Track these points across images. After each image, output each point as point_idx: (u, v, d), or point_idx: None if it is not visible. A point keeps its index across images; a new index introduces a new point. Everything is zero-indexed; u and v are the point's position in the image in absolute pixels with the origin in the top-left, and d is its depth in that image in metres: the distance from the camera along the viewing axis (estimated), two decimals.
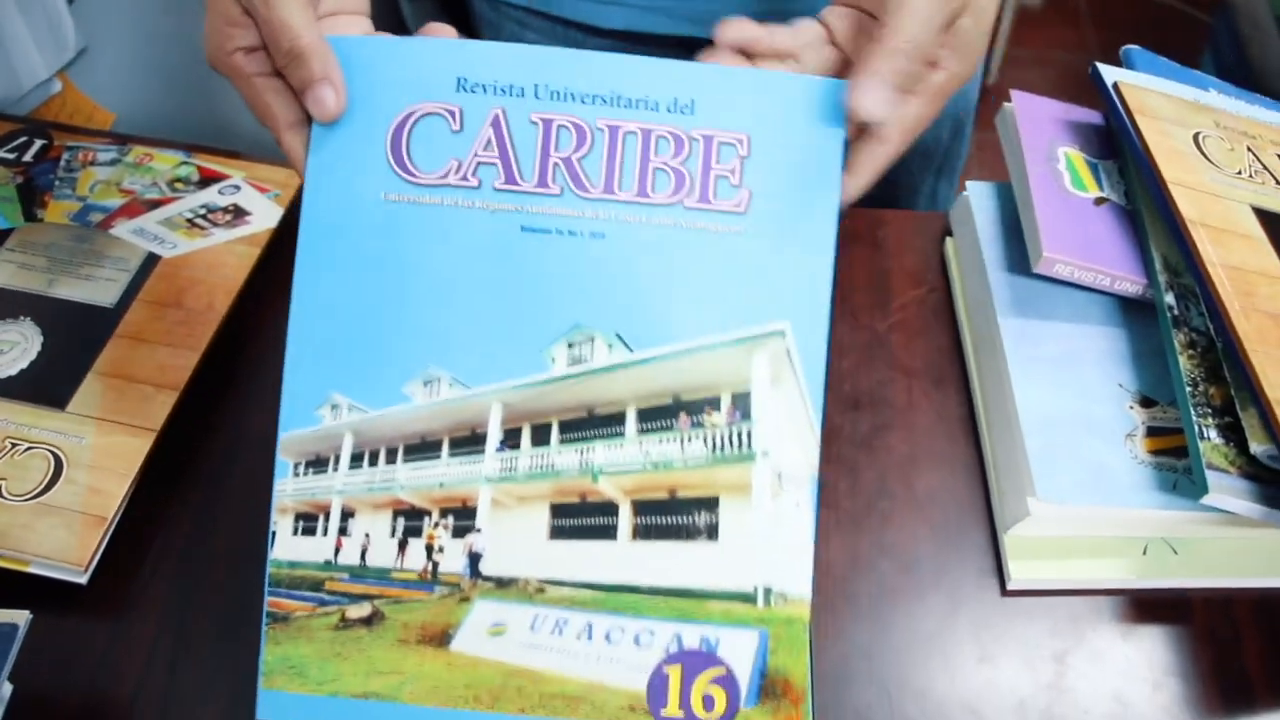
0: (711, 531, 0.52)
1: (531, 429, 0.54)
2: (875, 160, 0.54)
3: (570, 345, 0.53)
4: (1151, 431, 0.62)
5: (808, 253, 0.52)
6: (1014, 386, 0.63)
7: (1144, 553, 0.62)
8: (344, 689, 0.53)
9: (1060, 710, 0.57)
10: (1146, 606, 0.61)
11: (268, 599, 0.54)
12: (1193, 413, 0.59)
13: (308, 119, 0.54)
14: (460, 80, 0.54)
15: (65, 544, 0.60)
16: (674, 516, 0.53)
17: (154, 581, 0.61)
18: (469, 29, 1.02)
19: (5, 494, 0.61)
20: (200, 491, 0.65)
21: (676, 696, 0.51)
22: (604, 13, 0.86)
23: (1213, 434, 0.59)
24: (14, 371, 0.66)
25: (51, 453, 0.63)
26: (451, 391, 0.53)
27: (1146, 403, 0.63)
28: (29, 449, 0.63)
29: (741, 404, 0.52)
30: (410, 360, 0.53)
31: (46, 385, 0.66)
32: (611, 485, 0.53)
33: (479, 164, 0.54)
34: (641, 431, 0.53)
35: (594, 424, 0.53)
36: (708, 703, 0.51)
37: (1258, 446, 0.58)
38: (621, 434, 0.53)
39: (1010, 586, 0.61)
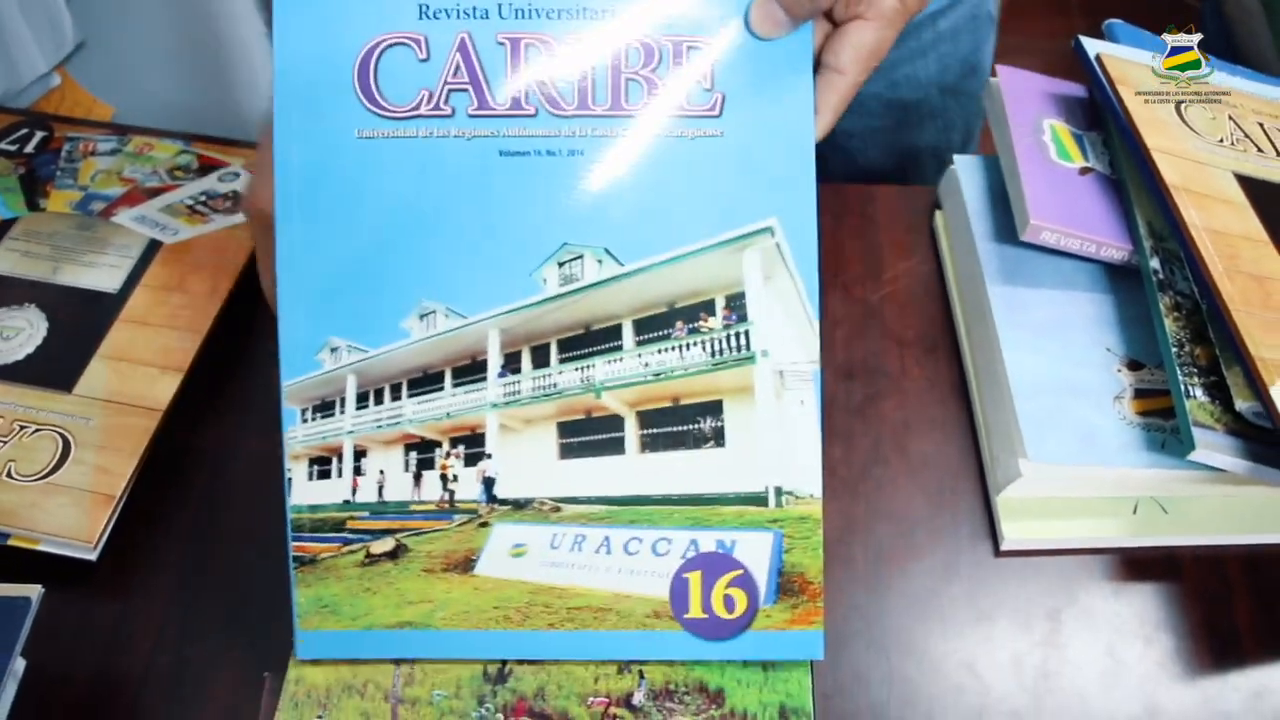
0: (718, 437, 0.53)
1: (531, 351, 0.55)
2: (835, 93, 0.55)
3: (560, 265, 0.53)
4: (1139, 393, 0.63)
5: (789, 148, 0.53)
6: (1004, 352, 0.64)
7: (1134, 512, 0.63)
8: (378, 622, 0.55)
9: (1054, 666, 0.58)
10: (1137, 565, 0.62)
11: (292, 544, 0.55)
12: (1179, 372, 0.60)
13: None
14: (421, 7, 0.53)
15: (75, 522, 0.61)
16: (679, 425, 0.54)
17: (162, 558, 0.62)
18: None
19: (14, 474, 0.62)
20: (206, 469, 0.66)
21: (698, 600, 0.53)
22: None
23: (1199, 393, 0.60)
24: (20, 356, 0.67)
25: (59, 434, 0.64)
26: (448, 322, 0.54)
27: (1134, 365, 0.65)
28: (37, 431, 0.64)
29: (737, 305, 0.53)
30: (403, 296, 0.54)
31: (53, 369, 0.67)
32: (615, 399, 0.54)
33: (450, 91, 0.53)
34: (639, 343, 0.54)
35: (591, 340, 0.55)
36: (729, 604, 0.53)
37: (1243, 404, 0.59)
38: (620, 348, 0.54)
39: (1004, 547, 0.62)
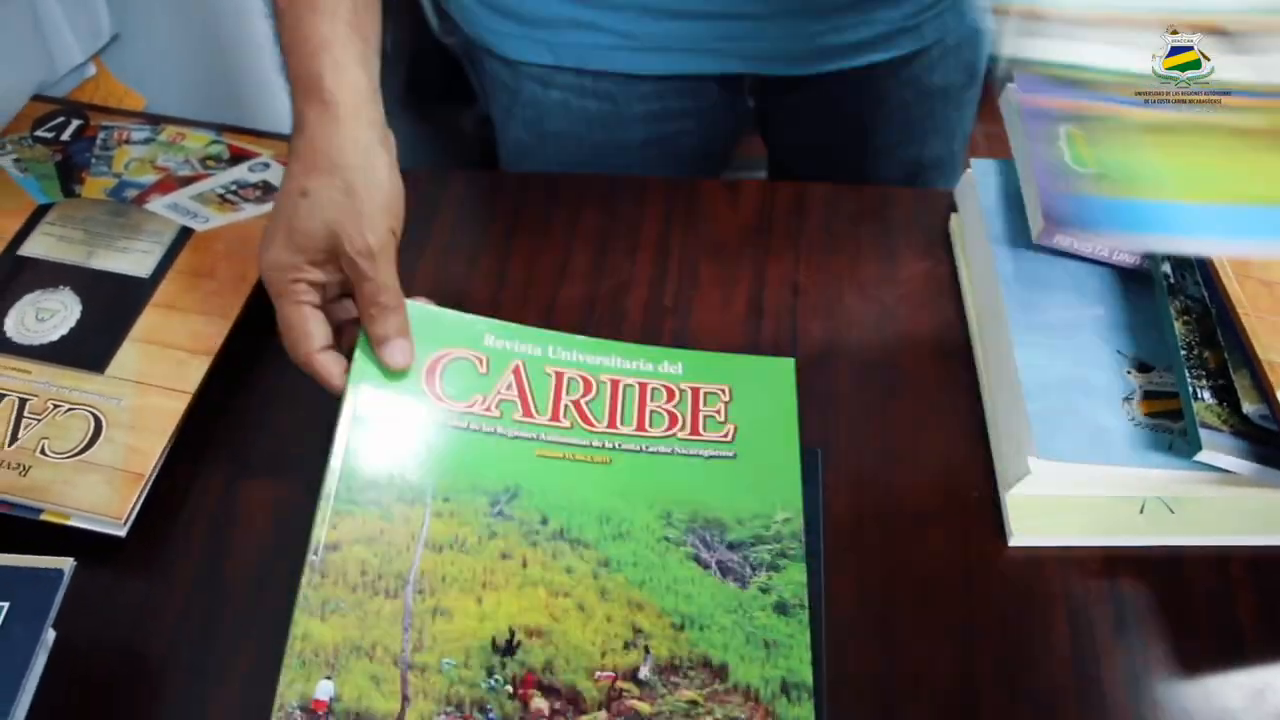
0: None
1: None
2: None
3: None
4: (1148, 395, 0.65)
5: (787, 465, 0.63)
6: (1016, 353, 0.65)
7: (1141, 511, 0.64)
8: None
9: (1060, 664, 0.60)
10: (1143, 563, 0.63)
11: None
12: (1187, 375, 0.62)
13: (335, 345, 0.63)
14: (487, 336, 0.66)
15: (105, 498, 0.62)
16: None
17: (190, 535, 0.64)
18: (468, 93, 1.03)
19: (48, 451, 0.64)
20: (233, 450, 0.67)
21: None
22: (643, 60, 0.87)
23: (1206, 395, 0.61)
24: (55, 337, 0.69)
25: (91, 413, 0.66)
26: None
27: (1143, 368, 0.66)
28: (70, 410, 0.66)
29: None
30: None
31: (86, 350, 0.68)
32: None
33: (501, 400, 0.64)
34: None
35: None
36: None
37: (1250, 406, 0.60)
38: None
39: (1012, 544, 0.63)
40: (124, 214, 0.76)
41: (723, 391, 0.66)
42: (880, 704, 0.58)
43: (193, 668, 0.59)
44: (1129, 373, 0.66)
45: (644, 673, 0.55)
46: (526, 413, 0.63)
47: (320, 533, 0.57)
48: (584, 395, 0.65)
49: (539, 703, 0.55)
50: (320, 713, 0.53)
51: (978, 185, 0.74)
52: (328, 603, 0.56)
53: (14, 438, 0.64)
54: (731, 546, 0.60)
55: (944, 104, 0.93)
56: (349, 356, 0.63)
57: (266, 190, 0.77)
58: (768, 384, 0.66)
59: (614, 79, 0.88)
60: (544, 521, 0.60)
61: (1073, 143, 0.73)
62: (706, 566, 0.60)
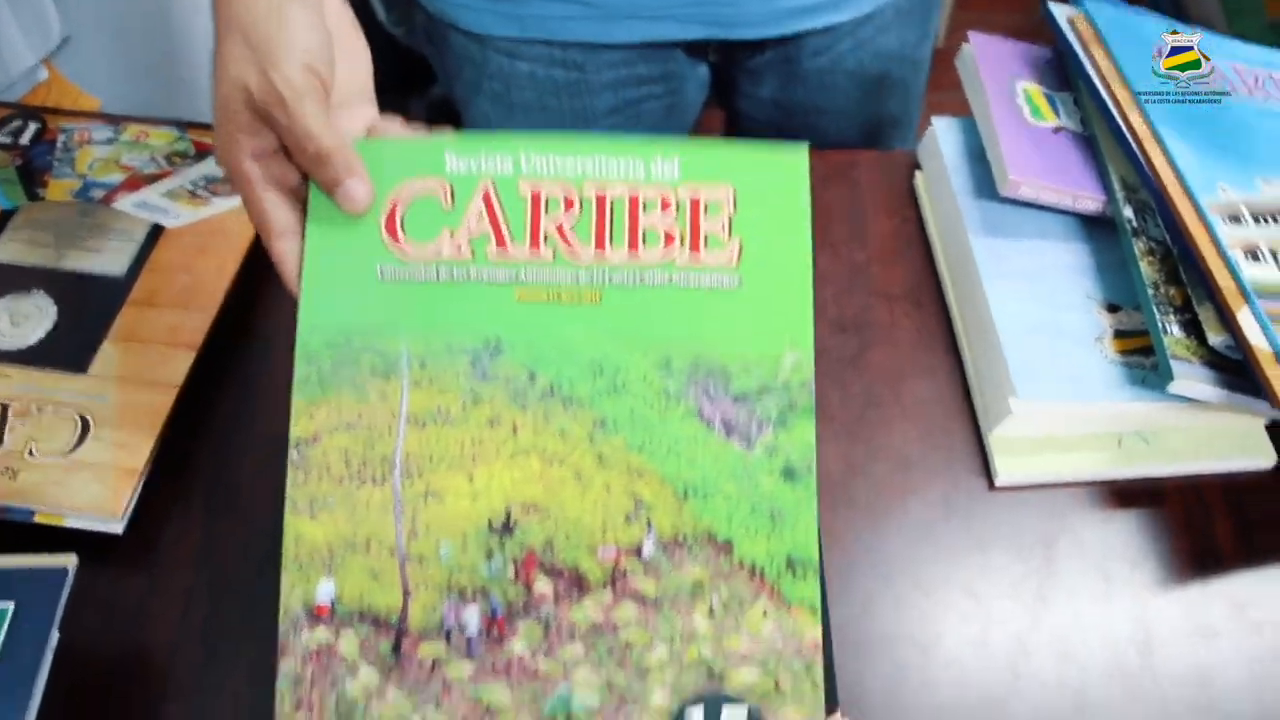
0: None
1: None
2: None
3: None
4: (1119, 334, 0.67)
5: (799, 298, 0.56)
6: (989, 300, 0.67)
7: (1119, 445, 0.67)
8: None
9: (1050, 590, 0.62)
10: (1123, 494, 0.66)
11: None
12: (1155, 311, 0.64)
13: (298, 229, 0.57)
14: (449, 159, 0.56)
15: (99, 496, 0.62)
16: None
17: (186, 529, 0.64)
18: (417, 81, 1.02)
19: (36, 453, 0.63)
20: (224, 441, 0.67)
21: None
22: (609, 29, 0.88)
23: (1174, 329, 0.63)
24: (33, 341, 0.68)
25: (77, 414, 0.65)
26: None
27: (1112, 308, 0.68)
28: (55, 411, 0.65)
29: None
30: None
31: (66, 351, 0.68)
32: None
33: (472, 237, 0.56)
34: None
35: None
36: None
37: (1215, 338, 0.62)
38: None
39: (997, 482, 0.66)
40: (92, 214, 0.75)
41: (726, 199, 0.56)
42: (882, 635, 0.60)
43: (195, 660, 0.60)
44: (1098, 313, 0.68)
45: (647, 549, 0.54)
46: (501, 246, 0.56)
47: (297, 427, 0.54)
48: (566, 216, 0.56)
49: (542, 585, 0.54)
50: (324, 615, 0.53)
51: (940, 142, 0.76)
52: (315, 500, 0.54)
53: (0, 442, 0.63)
54: (736, 399, 0.55)
55: (899, 63, 0.95)
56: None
57: None
58: (777, 183, 0.57)
59: (581, 48, 0.89)
60: (531, 378, 0.55)
61: (1029, 97, 0.76)
62: (709, 424, 0.55)
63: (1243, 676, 0.59)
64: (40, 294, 0.71)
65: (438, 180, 0.56)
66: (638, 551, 0.54)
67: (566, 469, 0.55)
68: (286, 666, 0.52)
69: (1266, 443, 0.67)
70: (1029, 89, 0.76)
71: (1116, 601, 0.62)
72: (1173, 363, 0.62)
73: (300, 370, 0.55)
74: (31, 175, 0.77)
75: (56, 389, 0.66)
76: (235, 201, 0.76)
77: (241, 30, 0.55)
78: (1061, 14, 0.76)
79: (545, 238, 0.56)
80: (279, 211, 0.57)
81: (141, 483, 0.63)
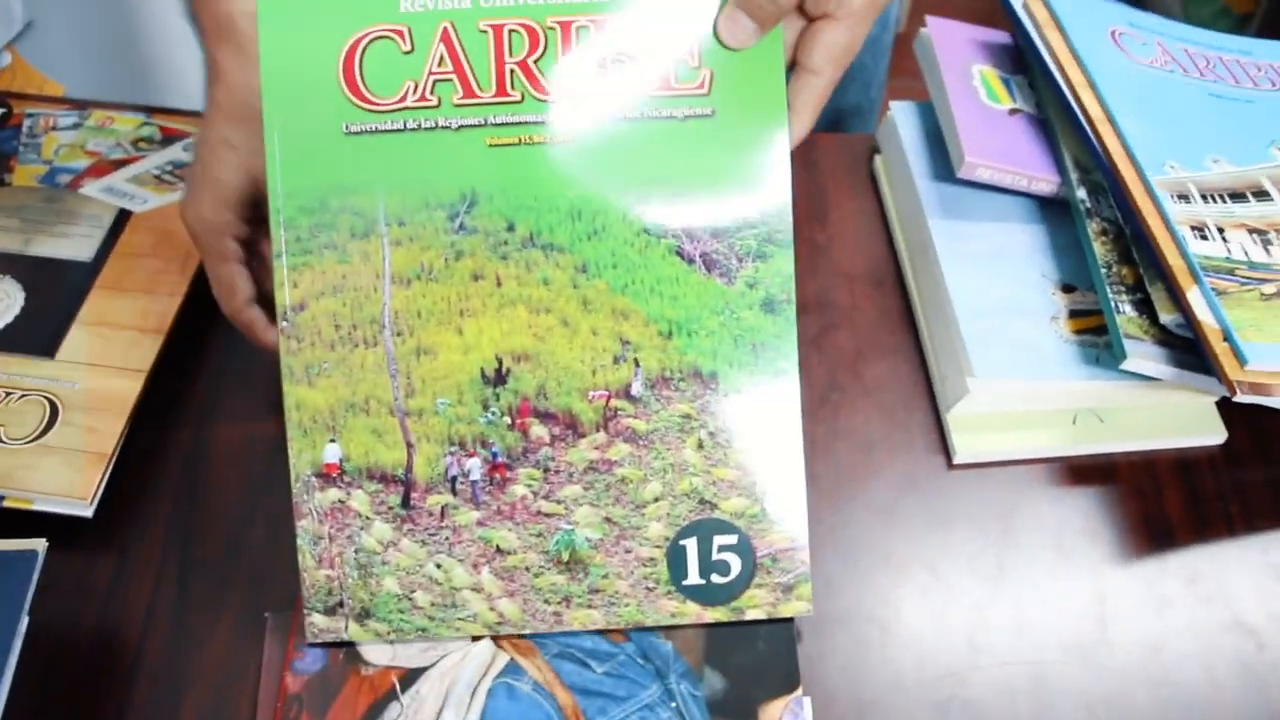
0: None
1: None
2: (812, 94, 0.56)
3: None
4: (1073, 314, 0.68)
5: (770, 128, 0.56)
6: (947, 280, 0.69)
7: (1074, 423, 0.68)
8: None
9: (1009, 562, 0.63)
10: (1078, 471, 0.67)
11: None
12: (1108, 290, 0.65)
13: (255, 292, 0.60)
14: (402, 2, 0.54)
15: (68, 480, 0.62)
16: None
17: (155, 512, 0.64)
18: None
19: (4, 438, 0.63)
20: (193, 425, 0.68)
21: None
22: None
23: (1127, 308, 0.65)
24: (0, 326, 0.69)
25: (46, 398, 0.65)
26: None
27: (1067, 289, 0.70)
28: (23, 396, 0.65)
29: None
30: None
31: (33, 337, 0.68)
32: None
33: (435, 81, 0.54)
34: None
35: None
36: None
37: (1166, 316, 0.64)
38: None
39: (956, 460, 0.67)
40: (59, 200, 0.75)
41: (695, 25, 0.54)
42: (846, 611, 0.61)
43: (166, 643, 0.60)
44: (1054, 293, 0.69)
45: (636, 388, 0.56)
46: (468, 93, 0.54)
47: (283, 295, 0.55)
48: (530, 53, 0.54)
49: (538, 430, 0.56)
50: (334, 475, 0.56)
51: (899, 126, 0.77)
52: (310, 366, 0.55)
53: None
54: (715, 234, 0.56)
55: (861, 51, 0.96)
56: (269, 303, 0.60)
57: None
58: None
59: None
60: (510, 228, 0.55)
61: (986, 80, 0.77)
62: (690, 261, 0.56)
63: (1193, 647, 0.61)
64: (7, 279, 0.71)
65: (392, 25, 0.54)
66: (627, 392, 0.56)
67: (553, 316, 0.56)
68: (304, 527, 0.56)
69: (1217, 419, 0.69)
70: (985, 72, 0.77)
71: (1072, 575, 0.63)
72: (1125, 341, 0.63)
73: (281, 238, 0.55)
74: None
75: (24, 374, 0.66)
76: None
77: (260, 118, 0.55)
78: None
79: (511, 78, 0.54)
80: (243, 281, 0.60)
81: (111, 466, 0.64)
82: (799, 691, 0.57)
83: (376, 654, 0.57)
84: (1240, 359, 0.60)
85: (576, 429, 0.57)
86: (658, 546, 0.57)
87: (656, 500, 0.57)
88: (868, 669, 0.60)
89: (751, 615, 0.58)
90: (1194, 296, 0.62)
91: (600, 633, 0.58)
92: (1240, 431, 0.68)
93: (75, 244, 0.73)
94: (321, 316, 0.55)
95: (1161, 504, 0.66)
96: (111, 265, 0.72)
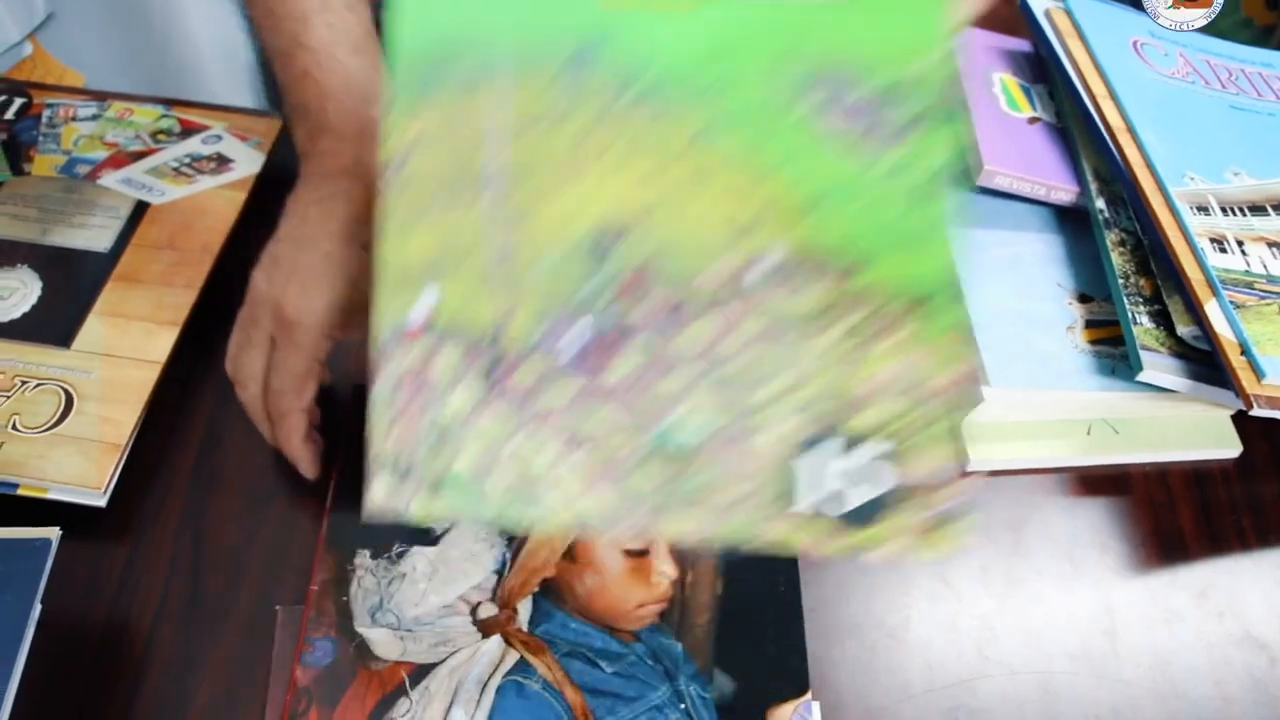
0: None
1: None
2: None
3: None
4: (1090, 324, 0.68)
5: None
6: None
7: (1088, 433, 0.68)
8: None
9: (1019, 573, 0.63)
10: (1092, 481, 0.67)
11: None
12: (1125, 302, 0.65)
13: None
14: None
15: (82, 469, 0.63)
16: None
17: (169, 502, 0.65)
18: None
19: (19, 427, 0.64)
20: (206, 418, 0.68)
21: None
22: None
23: (1144, 320, 0.65)
24: (16, 315, 0.69)
25: (61, 388, 0.66)
26: None
27: (1084, 299, 0.69)
28: (39, 385, 0.66)
29: None
30: None
31: (50, 326, 0.68)
32: None
33: None
34: None
35: None
36: None
37: (1183, 328, 0.64)
38: None
39: (969, 469, 0.67)
40: (77, 190, 0.76)
41: None
42: (853, 618, 0.61)
43: (178, 633, 0.60)
44: (1070, 303, 0.69)
45: (759, 271, 0.48)
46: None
47: (389, 143, 0.49)
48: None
49: (648, 304, 0.48)
50: (421, 333, 0.49)
51: None
52: (410, 218, 0.49)
53: None
54: (861, 104, 0.48)
55: None
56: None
57: (221, 162, 0.78)
58: None
59: None
60: (627, 85, 0.49)
61: (1006, 88, 0.77)
62: (831, 131, 0.48)
63: (1204, 660, 0.61)
64: (25, 269, 0.71)
65: None
66: (754, 269, 0.48)
67: (671, 179, 0.49)
68: (381, 387, 0.48)
69: (1232, 433, 0.68)
70: (1005, 80, 0.77)
71: (1083, 586, 0.63)
72: (1142, 352, 0.63)
73: (394, 83, 0.50)
74: (17, 150, 0.78)
75: (40, 363, 0.67)
76: (220, 180, 0.77)
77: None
78: (1039, 7, 0.77)
79: None
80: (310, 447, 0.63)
81: (125, 457, 0.64)
82: (808, 696, 0.56)
83: (386, 649, 0.57)
84: (1258, 373, 0.60)
85: (692, 307, 0.48)
86: (780, 453, 0.47)
87: (780, 398, 0.47)
88: (877, 675, 0.60)
89: (884, 553, 0.46)
90: (1212, 309, 0.62)
91: (610, 632, 0.58)
92: (1255, 445, 0.68)
93: (93, 234, 0.73)
94: (429, 163, 0.50)
95: (1174, 516, 0.66)
96: (129, 256, 0.72)
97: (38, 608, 0.59)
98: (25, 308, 0.69)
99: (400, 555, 0.60)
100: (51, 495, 0.63)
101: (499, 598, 0.59)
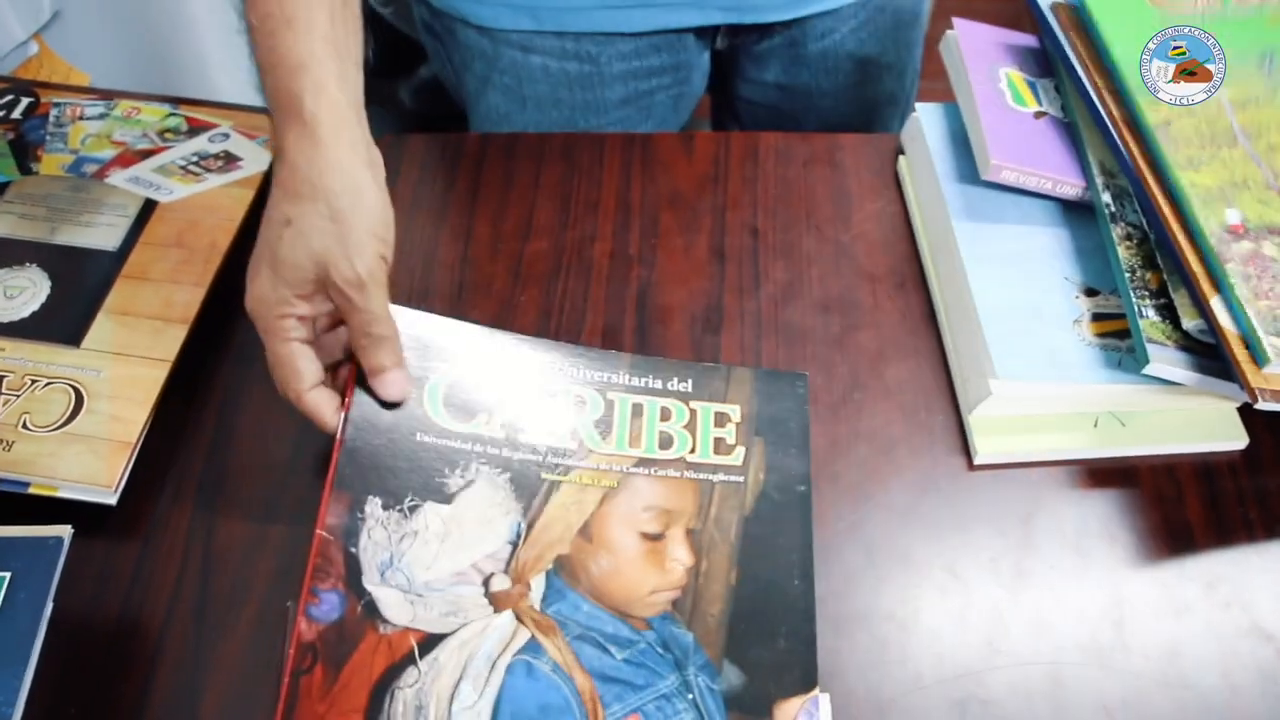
0: None
1: None
2: None
3: None
4: (1096, 317, 0.68)
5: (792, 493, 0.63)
6: (970, 282, 0.69)
7: (1095, 426, 0.68)
8: None
9: (1028, 565, 0.63)
10: (1099, 474, 0.67)
11: None
12: (1132, 295, 0.66)
13: (324, 379, 0.61)
14: (489, 356, 0.64)
15: (93, 468, 0.63)
16: None
17: (180, 500, 0.65)
18: (403, 66, 1.03)
19: (30, 426, 0.64)
20: (215, 414, 0.68)
21: None
22: (627, 17, 0.88)
23: (1151, 313, 0.65)
24: (26, 314, 0.69)
25: (71, 386, 0.66)
26: None
27: (1090, 292, 0.70)
28: (49, 384, 0.66)
29: None
30: None
31: (59, 325, 0.69)
32: None
33: (507, 418, 0.62)
34: None
35: None
36: None
37: (1189, 322, 0.64)
38: None
39: (977, 461, 0.67)
40: (85, 189, 0.76)
41: (733, 412, 0.66)
42: (864, 610, 0.61)
43: (189, 630, 0.60)
44: (1077, 297, 0.69)
45: None
46: (533, 433, 0.63)
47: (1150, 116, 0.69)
48: (593, 414, 0.64)
49: None
50: (1239, 232, 0.64)
51: (924, 127, 0.78)
52: (1190, 159, 0.67)
53: None
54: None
55: (894, 43, 0.97)
56: (344, 390, 0.61)
57: (229, 160, 0.78)
58: (781, 402, 0.67)
59: (594, 38, 0.90)
60: None
61: (1012, 83, 0.77)
62: None
63: (1211, 651, 0.61)
64: (34, 267, 0.72)
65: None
66: None
67: None
68: (1232, 269, 0.63)
69: (1238, 425, 0.69)
70: (1011, 75, 0.77)
71: (1092, 578, 0.63)
72: (1148, 346, 0.63)
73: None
74: (24, 149, 0.78)
75: (50, 362, 0.67)
76: (228, 178, 0.77)
77: (322, 197, 0.57)
78: (1045, 1, 0.77)
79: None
80: (309, 365, 0.60)
81: (135, 455, 0.64)
82: (815, 692, 0.57)
83: (396, 612, 0.57)
84: (1260, 365, 0.60)
85: None
86: None
87: None
88: (886, 667, 0.60)
89: None
90: (1216, 303, 0.62)
91: (623, 618, 0.58)
92: (1262, 437, 0.68)
93: (101, 233, 0.74)
94: (1186, 129, 0.68)
95: (1181, 508, 0.66)
96: (137, 255, 0.72)
97: (50, 606, 0.59)
98: (34, 307, 0.70)
99: (413, 509, 0.59)
100: (62, 494, 0.63)
101: (512, 571, 0.59)
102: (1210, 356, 0.64)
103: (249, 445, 0.67)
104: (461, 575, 0.58)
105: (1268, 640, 0.61)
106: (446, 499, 0.60)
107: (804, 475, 0.64)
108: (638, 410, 0.65)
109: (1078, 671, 0.60)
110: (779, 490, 0.63)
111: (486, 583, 0.58)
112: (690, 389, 0.66)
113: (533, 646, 0.57)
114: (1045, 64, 0.79)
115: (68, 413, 0.65)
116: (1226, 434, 0.68)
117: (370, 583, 0.57)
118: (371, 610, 0.57)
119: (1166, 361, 0.63)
